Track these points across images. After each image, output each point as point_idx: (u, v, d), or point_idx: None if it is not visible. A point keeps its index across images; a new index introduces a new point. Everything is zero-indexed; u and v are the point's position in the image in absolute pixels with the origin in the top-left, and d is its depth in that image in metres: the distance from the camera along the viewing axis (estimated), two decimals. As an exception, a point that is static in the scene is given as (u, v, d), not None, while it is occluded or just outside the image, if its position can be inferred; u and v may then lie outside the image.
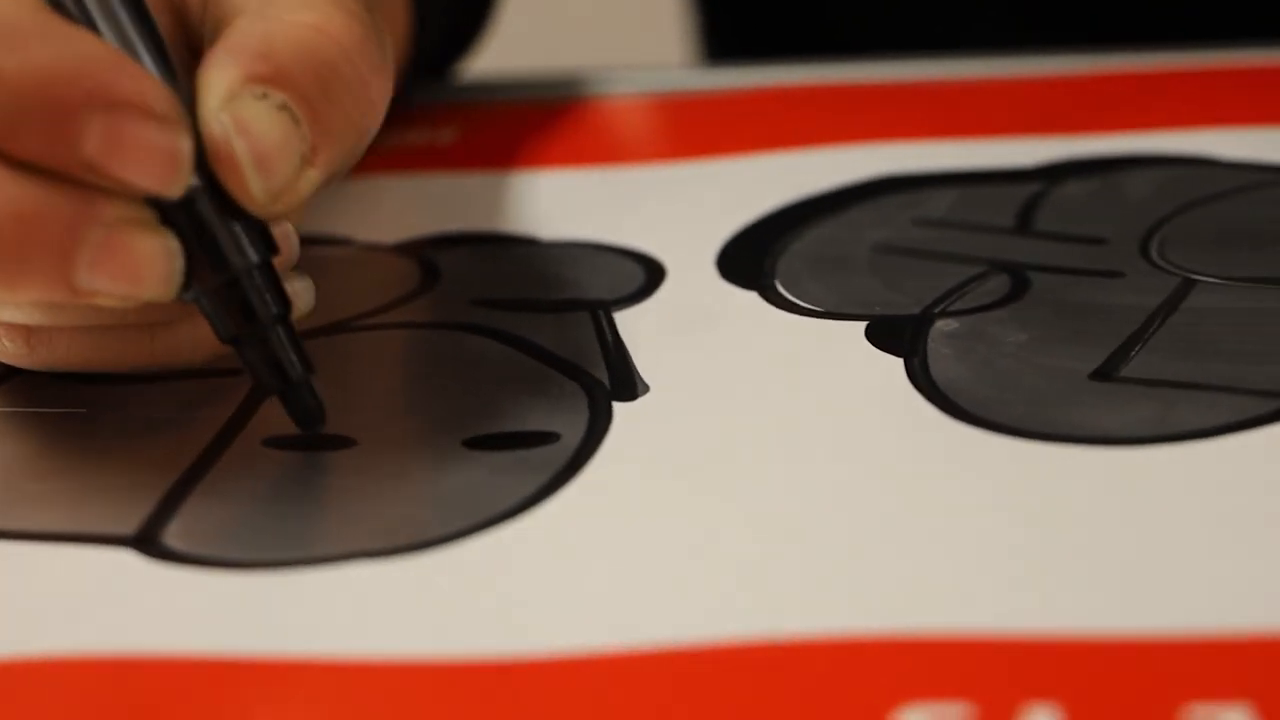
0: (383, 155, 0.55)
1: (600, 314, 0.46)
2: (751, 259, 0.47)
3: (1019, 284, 0.46)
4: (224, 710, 0.34)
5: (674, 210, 0.51)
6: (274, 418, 0.42)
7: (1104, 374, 0.42)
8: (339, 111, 0.39)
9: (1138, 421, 0.40)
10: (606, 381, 0.43)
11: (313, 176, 0.39)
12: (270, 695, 0.35)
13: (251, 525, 0.39)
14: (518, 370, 0.44)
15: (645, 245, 0.49)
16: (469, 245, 0.50)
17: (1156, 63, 0.56)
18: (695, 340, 0.44)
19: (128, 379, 0.44)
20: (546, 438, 0.41)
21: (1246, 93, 0.54)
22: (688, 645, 0.35)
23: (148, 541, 0.38)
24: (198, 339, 0.42)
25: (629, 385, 0.43)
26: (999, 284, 0.46)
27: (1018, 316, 0.44)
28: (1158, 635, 0.34)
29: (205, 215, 0.38)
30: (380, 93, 0.40)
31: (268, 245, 0.39)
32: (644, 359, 0.44)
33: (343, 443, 0.41)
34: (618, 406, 0.42)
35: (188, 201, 0.38)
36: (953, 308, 0.45)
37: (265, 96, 0.38)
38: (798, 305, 0.45)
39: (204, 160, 0.38)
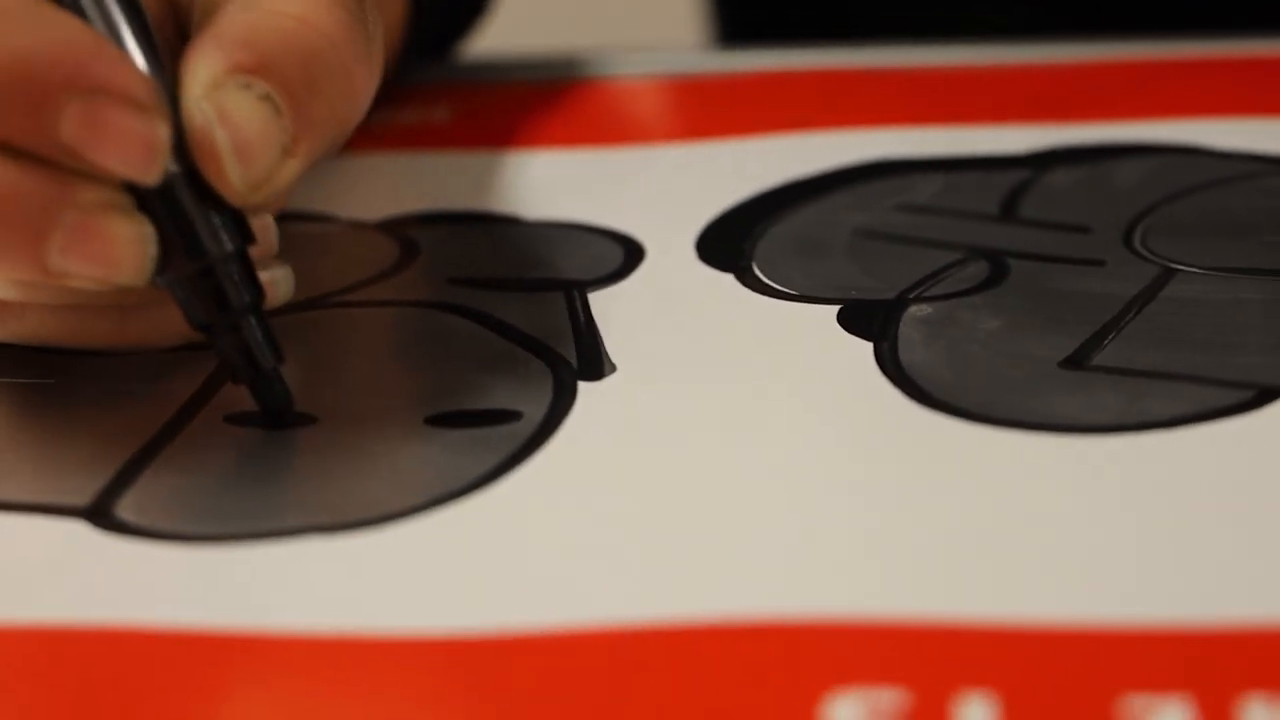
0: (375, 133, 0.54)
1: (575, 294, 0.45)
2: (731, 242, 0.47)
3: (997, 271, 0.45)
4: (166, 683, 0.34)
5: (662, 192, 0.51)
6: (238, 393, 0.42)
7: (1075, 362, 0.41)
8: (322, 102, 0.39)
9: (1103, 410, 0.39)
10: (574, 361, 0.43)
11: (293, 166, 0.39)
12: (214, 669, 0.34)
13: (205, 500, 0.39)
14: (486, 349, 0.43)
15: (629, 226, 0.48)
16: (451, 224, 0.50)
17: (1151, 52, 0.55)
18: (667, 322, 0.44)
19: (99, 351, 0.44)
20: (509, 416, 0.41)
21: (1240, 83, 0.53)
22: (622, 625, 0.34)
23: (100, 513, 0.38)
24: (170, 322, 0.42)
25: (596, 365, 0.42)
26: (977, 270, 0.45)
27: (992, 303, 0.44)
28: (1099, 625, 0.33)
29: (183, 202, 0.38)
30: (365, 83, 0.40)
31: (244, 235, 0.39)
32: (614, 340, 0.43)
33: (304, 420, 0.41)
34: (583, 386, 0.42)
35: (166, 188, 0.38)
36: (928, 293, 0.44)
37: (248, 87, 0.38)
38: (773, 288, 0.45)
39: (184, 148, 0.38)
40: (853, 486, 0.38)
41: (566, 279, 0.46)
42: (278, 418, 0.41)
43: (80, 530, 0.38)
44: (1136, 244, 0.46)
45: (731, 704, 0.32)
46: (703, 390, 0.41)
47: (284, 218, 0.50)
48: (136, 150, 0.37)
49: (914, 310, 0.44)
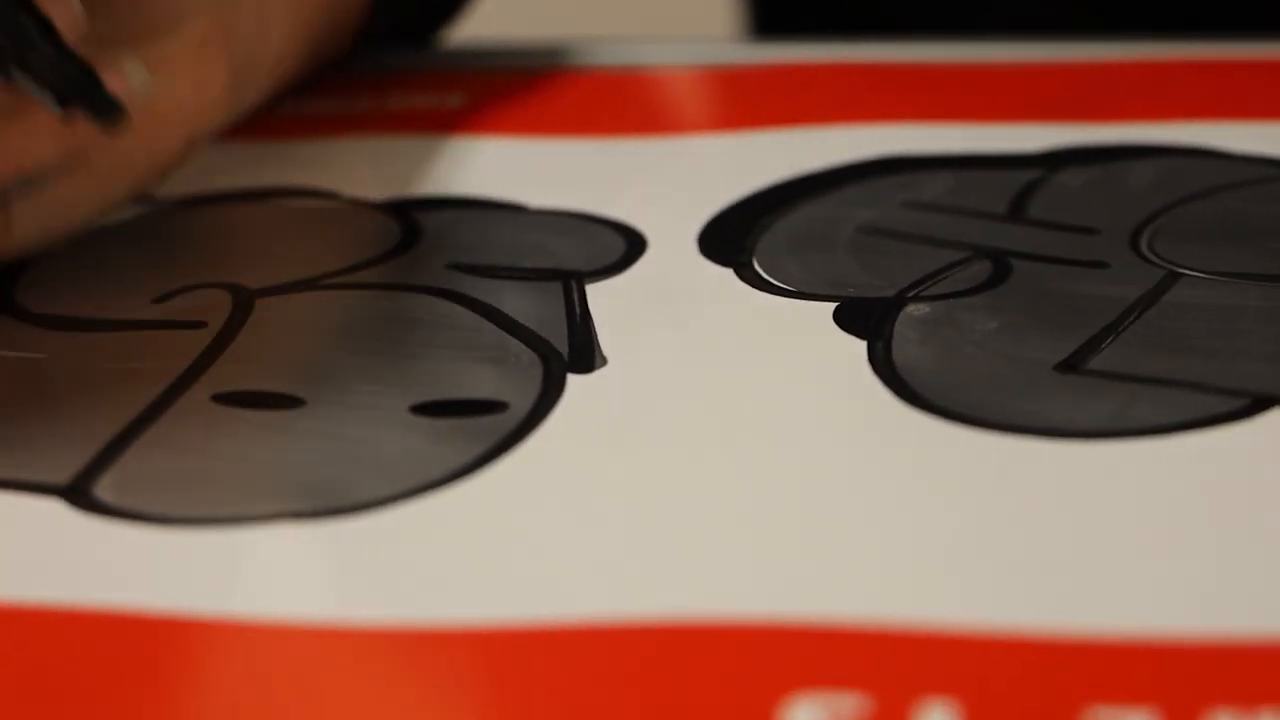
0: (389, 116, 0.54)
1: (573, 284, 0.45)
2: (733, 236, 0.47)
3: (1000, 271, 0.45)
4: (131, 666, 0.34)
5: (671, 183, 0.50)
6: (226, 372, 0.42)
7: (1070, 365, 0.41)
8: None
9: (1094, 416, 0.39)
10: (566, 352, 0.42)
11: None
12: (181, 654, 0.34)
13: (183, 481, 0.39)
14: (478, 337, 0.43)
15: (635, 218, 0.48)
16: (456, 208, 0.50)
17: (1169, 52, 0.54)
18: (662, 316, 0.44)
19: (93, 327, 0.44)
20: (495, 406, 0.40)
21: (1258, 86, 0.52)
22: (586, 622, 0.34)
23: (78, 492, 0.38)
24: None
25: (587, 357, 0.42)
26: (979, 270, 0.45)
27: (991, 304, 0.43)
28: (1068, 633, 0.33)
29: None
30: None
31: None
32: (608, 332, 0.43)
33: (291, 402, 0.41)
34: (572, 379, 0.41)
35: None
36: (927, 292, 0.44)
37: None
38: (771, 284, 0.44)
39: None
40: (831, 488, 0.37)
41: (566, 269, 0.46)
42: (115, 121, 0.41)
43: (57, 509, 0.38)
44: (1143, 247, 0.45)
45: (690, 705, 0.32)
46: (690, 386, 0.41)
47: (287, 193, 0.50)
48: None
49: (911, 309, 0.43)
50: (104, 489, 0.38)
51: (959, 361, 0.41)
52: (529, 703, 0.33)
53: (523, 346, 0.42)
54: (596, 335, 0.43)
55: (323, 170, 0.51)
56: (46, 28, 0.40)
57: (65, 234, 0.45)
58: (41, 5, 0.40)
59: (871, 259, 0.45)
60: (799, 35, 0.63)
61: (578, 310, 0.44)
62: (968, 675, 0.32)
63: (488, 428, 0.40)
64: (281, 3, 0.50)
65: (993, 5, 0.66)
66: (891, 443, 0.38)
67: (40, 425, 0.41)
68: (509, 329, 0.43)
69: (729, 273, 0.45)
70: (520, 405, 0.40)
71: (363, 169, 0.52)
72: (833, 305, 0.43)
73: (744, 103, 0.54)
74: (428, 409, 0.41)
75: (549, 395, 0.41)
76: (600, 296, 0.44)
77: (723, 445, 0.39)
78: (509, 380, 0.41)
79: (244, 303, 0.45)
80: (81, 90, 0.41)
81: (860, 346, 0.42)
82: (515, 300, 0.44)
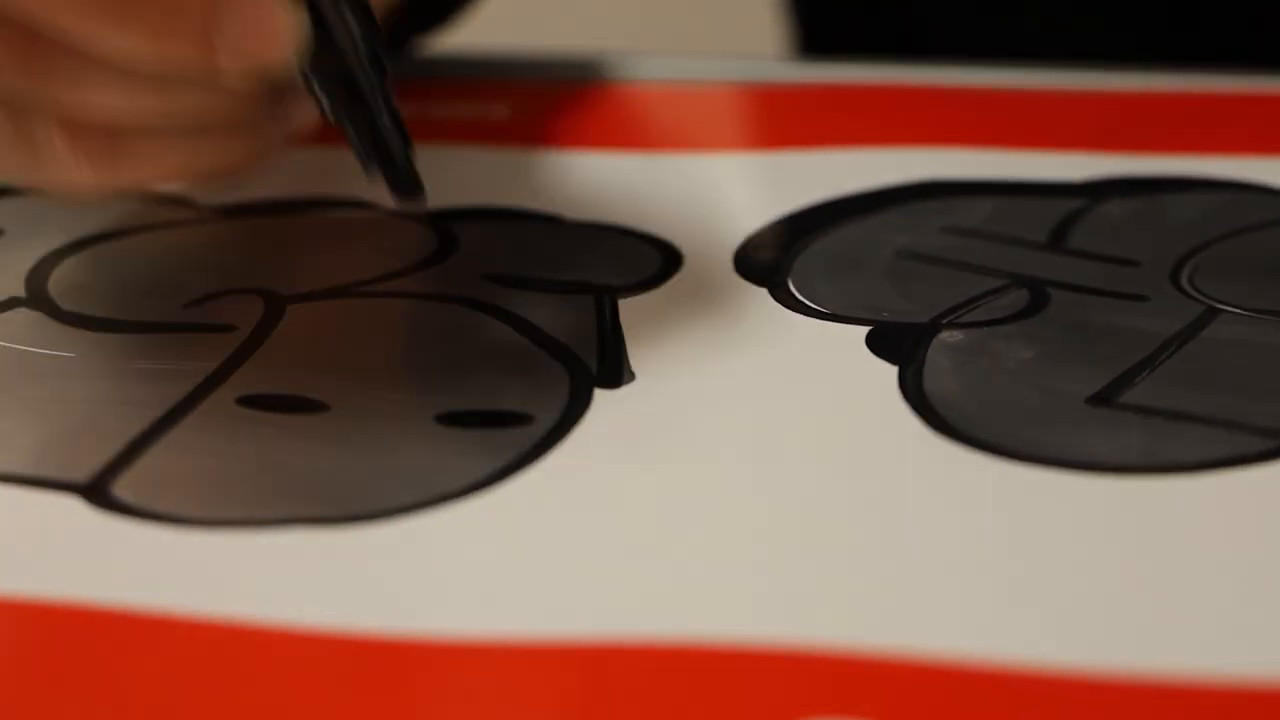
0: (433, 126, 0.54)
1: (605, 299, 0.45)
2: (769, 256, 0.46)
3: (1037, 300, 0.44)
4: (129, 663, 0.34)
5: (711, 201, 0.50)
6: (253, 376, 0.42)
7: (1103, 399, 0.40)
8: None
9: (1125, 450, 0.38)
10: (594, 367, 0.42)
11: None
12: (176, 654, 0.34)
13: (202, 483, 0.39)
14: (507, 349, 0.43)
15: (673, 234, 0.48)
16: (494, 220, 0.49)
17: (1220, 85, 0.54)
18: (693, 333, 0.43)
19: (123, 328, 0.44)
20: (520, 419, 0.40)
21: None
22: (596, 641, 0.34)
23: (96, 491, 0.38)
24: (273, 140, 0.42)
25: (615, 372, 0.42)
26: (1016, 299, 0.44)
27: (1027, 333, 0.43)
28: (1087, 670, 0.32)
29: None
30: None
31: (373, 24, 0.40)
32: (638, 348, 0.43)
33: (315, 406, 0.41)
34: (599, 394, 0.41)
35: None
36: (962, 319, 0.43)
37: None
38: (805, 305, 0.44)
39: None
40: (854, 514, 0.37)
41: (599, 283, 0.45)
42: (411, 198, 0.42)
43: (75, 506, 0.38)
44: (1184, 281, 0.45)
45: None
46: (716, 405, 0.40)
47: (325, 203, 0.50)
48: None
49: (945, 336, 0.43)
50: (122, 488, 0.38)
51: (990, 390, 0.41)
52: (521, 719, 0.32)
53: (551, 359, 0.42)
54: (626, 350, 0.43)
55: (361, 179, 0.51)
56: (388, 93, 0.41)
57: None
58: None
59: (907, 284, 0.45)
60: (844, 55, 0.63)
61: (608, 324, 0.44)
62: (986, 708, 0.31)
63: (512, 440, 0.39)
64: None
65: (1042, 32, 0.66)
66: (917, 471, 0.38)
67: (63, 422, 0.41)
68: (538, 341, 0.43)
69: (763, 292, 0.45)
70: (546, 418, 0.40)
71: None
72: (866, 329, 0.43)
73: (787, 122, 0.54)
74: (453, 419, 0.40)
75: (575, 409, 0.40)
76: (633, 311, 0.44)
77: (746, 466, 0.38)
78: (535, 393, 0.41)
79: (275, 308, 0.44)
80: (395, 163, 0.41)
81: (891, 372, 0.41)
82: (547, 313, 0.44)
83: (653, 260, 0.47)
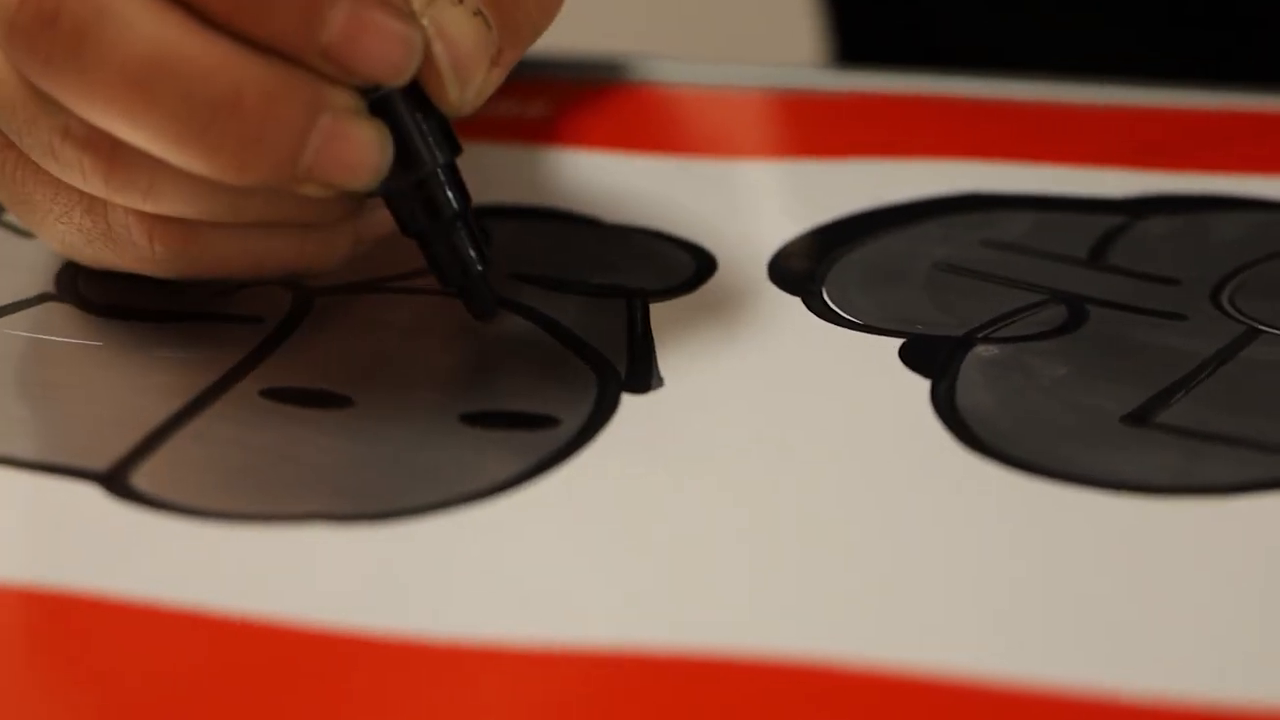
0: (468, 122, 0.54)
1: (636, 303, 0.44)
2: (804, 265, 0.46)
3: (1075, 316, 0.43)
4: (134, 655, 0.33)
5: (747, 207, 0.50)
6: (278, 368, 0.41)
7: (1138, 418, 0.40)
8: (523, 14, 0.40)
9: (1159, 471, 0.38)
10: (623, 371, 0.41)
11: (496, 76, 0.40)
12: (184, 647, 0.34)
13: (222, 474, 0.38)
14: (534, 350, 0.42)
15: (708, 239, 0.47)
16: (526, 218, 0.49)
17: (1266, 104, 0.53)
18: (724, 340, 0.43)
19: (150, 318, 0.43)
20: (546, 421, 0.40)
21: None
22: (610, 650, 0.33)
23: (115, 479, 0.38)
24: (343, 242, 0.43)
25: (644, 378, 0.41)
26: (1053, 315, 0.43)
27: (1063, 350, 0.42)
28: (1114, 695, 0.32)
29: (400, 114, 0.39)
30: None
31: (453, 144, 0.40)
32: (668, 353, 0.42)
33: (340, 401, 0.40)
34: (626, 398, 0.41)
35: (386, 99, 0.39)
36: (997, 334, 0.43)
37: (461, 2, 0.39)
38: (838, 315, 0.44)
39: None
40: (881, 530, 0.36)
41: (631, 287, 0.45)
42: (486, 318, 0.42)
43: (93, 495, 0.37)
44: (1224, 301, 0.44)
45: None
46: (744, 414, 0.40)
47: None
48: (396, 51, 0.38)
49: (980, 350, 0.42)
50: (141, 478, 0.38)
51: (1024, 407, 0.40)
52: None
53: (579, 362, 0.42)
54: (656, 355, 0.42)
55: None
56: (467, 207, 0.41)
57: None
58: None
59: (944, 296, 0.44)
60: (883, 64, 0.62)
61: (639, 328, 0.43)
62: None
63: (536, 442, 0.39)
64: None
65: (1087, 45, 0.65)
66: (947, 486, 0.37)
67: (86, 409, 0.40)
68: (567, 343, 0.43)
69: (796, 301, 0.44)
70: (571, 422, 0.40)
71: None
72: (899, 341, 0.42)
73: (824, 130, 0.53)
74: (477, 419, 0.40)
75: (601, 413, 0.40)
76: (664, 316, 0.44)
77: (771, 478, 0.38)
78: (561, 395, 0.40)
79: (303, 301, 0.44)
80: (471, 283, 0.41)
81: (924, 385, 0.41)
82: (577, 314, 0.44)
83: (686, 265, 0.46)
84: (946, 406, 0.40)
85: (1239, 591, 0.34)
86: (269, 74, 0.38)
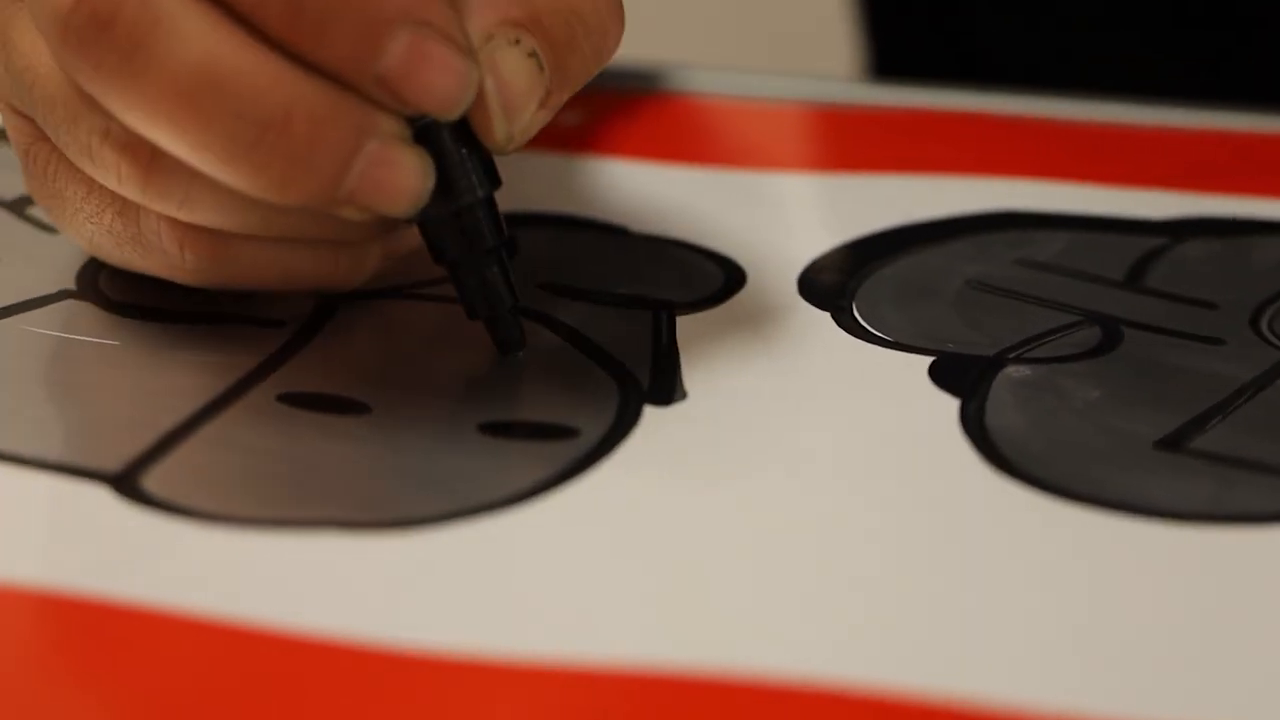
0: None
1: (663, 314, 0.43)
2: (835, 280, 0.45)
3: (1109, 338, 0.43)
4: (136, 659, 0.33)
5: (778, 220, 0.49)
6: (297, 372, 0.41)
7: (1172, 443, 0.39)
8: (578, 59, 0.40)
9: (1192, 498, 0.37)
10: (646, 384, 0.41)
11: (542, 117, 0.40)
12: (189, 653, 0.33)
13: (235, 479, 0.38)
14: (557, 360, 0.42)
15: (738, 252, 0.47)
16: (555, 226, 0.48)
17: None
18: (751, 354, 0.42)
19: (171, 319, 0.43)
20: (566, 432, 0.39)
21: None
22: (617, 667, 0.32)
23: (126, 482, 0.37)
24: (371, 261, 0.43)
25: (667, 391, 0.40)
26: (1088, 336, 0.43)
27: (1097, 372, 0.41)
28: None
29: (445, 144, 0.39)
30: (615, 40, 0.41)
31: (494, 179, 0.40)
32: (693, 367, 0.41)
33: (358, 408, 0.40)
34: (649, 411, 0.40)
35: (432, 127, 0.39)
36: (1030, 354, 0.42)
37: (518, 42, 0.39)
38: (868, 332, 0.43)
39: None
40: (903, 552, 0.35)
41: (658, 298, 0.44)
42: (512, 353, 0.41)
43: (102, 496, 0.37)
44: (1263, 327, 0.43)
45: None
46: (768, 430, 0.39)
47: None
48: (451, 86, 0.38)
49: (1011, 371, 0.41)
50: (151, 480, 0.37)
51: (1055, 429, 0.39)
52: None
53: (602, 373, 0.41)
54: (680, 368, 0.41)
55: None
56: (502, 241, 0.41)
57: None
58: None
59: (976, 315, 0.43)
60: (922, 79, 0.61)
61: (664, 340, 0.42)
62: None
63: (555, 453, 0.38)
64: None
65: (1127, 63, 0.64)
66: (973, 509, 0.37)
67: (99, 410, 0.40)
68: (591, 354, 0.42)
69: (826, 317, 0.43)
70: (591, 434, 0.39)
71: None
72: (929, 359, 0.42)
73: (859, 144, 0.52)
74: (496, 429, 0.39)
75: (622, 425, 0.39)
76: (691, 329, 0.43)
77: (793, 496, 0.37)
78: (583, 407, 0.40)
79: (326, 305, 0.43)
80: (499, 318, 0.41)
81: (953, 405, 0.40)
82: (601, 325, 0.43)
83: (715, 278, 0.45)
84: (975, 427, 0.39)
85: (1271, 623, 0.34)
86: (319, 96, 0.37)
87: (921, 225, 0.48)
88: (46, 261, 0.45)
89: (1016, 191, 0.49)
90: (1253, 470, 0.38)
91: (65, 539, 0.36)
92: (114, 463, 0.38)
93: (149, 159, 0.39)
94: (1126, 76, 0.60)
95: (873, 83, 0.60)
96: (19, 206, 0.47)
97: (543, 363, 0.42)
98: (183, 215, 0.40)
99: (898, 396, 0.40)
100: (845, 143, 0.53)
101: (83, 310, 0.43)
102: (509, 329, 0.41)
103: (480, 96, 0.39)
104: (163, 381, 0.41)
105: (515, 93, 0.39)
